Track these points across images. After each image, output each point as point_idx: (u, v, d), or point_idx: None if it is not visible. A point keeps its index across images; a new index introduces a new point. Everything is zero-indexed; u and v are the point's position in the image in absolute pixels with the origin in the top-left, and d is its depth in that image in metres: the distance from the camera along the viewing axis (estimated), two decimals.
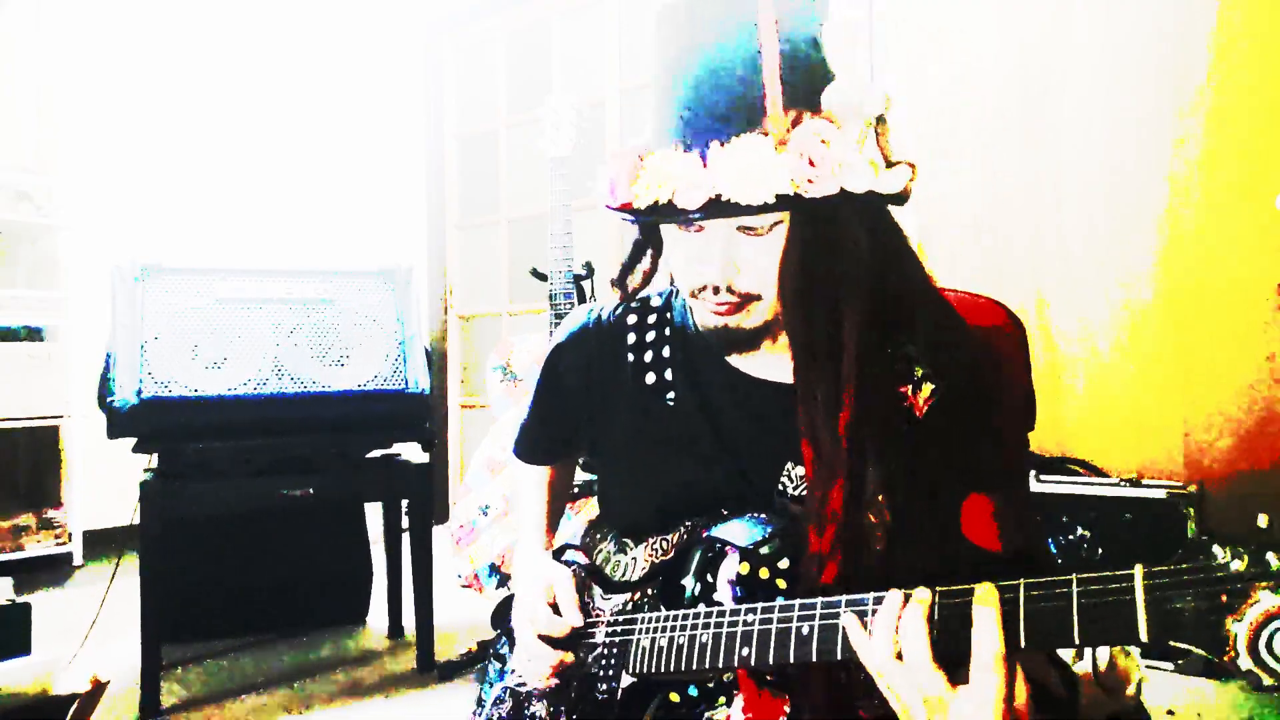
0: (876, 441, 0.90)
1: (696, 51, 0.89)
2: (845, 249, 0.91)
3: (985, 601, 0.71)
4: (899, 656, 0.75)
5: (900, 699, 0.76)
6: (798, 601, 0.85)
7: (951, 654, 0.73)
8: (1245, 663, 0.61)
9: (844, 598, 0.81)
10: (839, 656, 0.80)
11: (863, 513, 0.88)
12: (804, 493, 1.01)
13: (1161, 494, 2.23)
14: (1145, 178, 2.56)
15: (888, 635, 0.76)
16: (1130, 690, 0.84)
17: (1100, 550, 2.30)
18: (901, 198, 0.88)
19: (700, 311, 0.99)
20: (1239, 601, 0.62)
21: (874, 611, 0.78)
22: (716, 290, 0.94)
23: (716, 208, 0.87)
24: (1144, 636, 0.65)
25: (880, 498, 0.89)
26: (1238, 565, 0.63)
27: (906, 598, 0.76)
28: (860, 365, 0.90)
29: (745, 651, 0.87)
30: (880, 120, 0.87)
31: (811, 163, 0.84)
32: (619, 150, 0.97)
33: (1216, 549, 0.64)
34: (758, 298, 0.95)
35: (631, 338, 1.15)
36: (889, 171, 0.86)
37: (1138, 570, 0.67)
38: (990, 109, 2.83)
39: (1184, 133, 2.50)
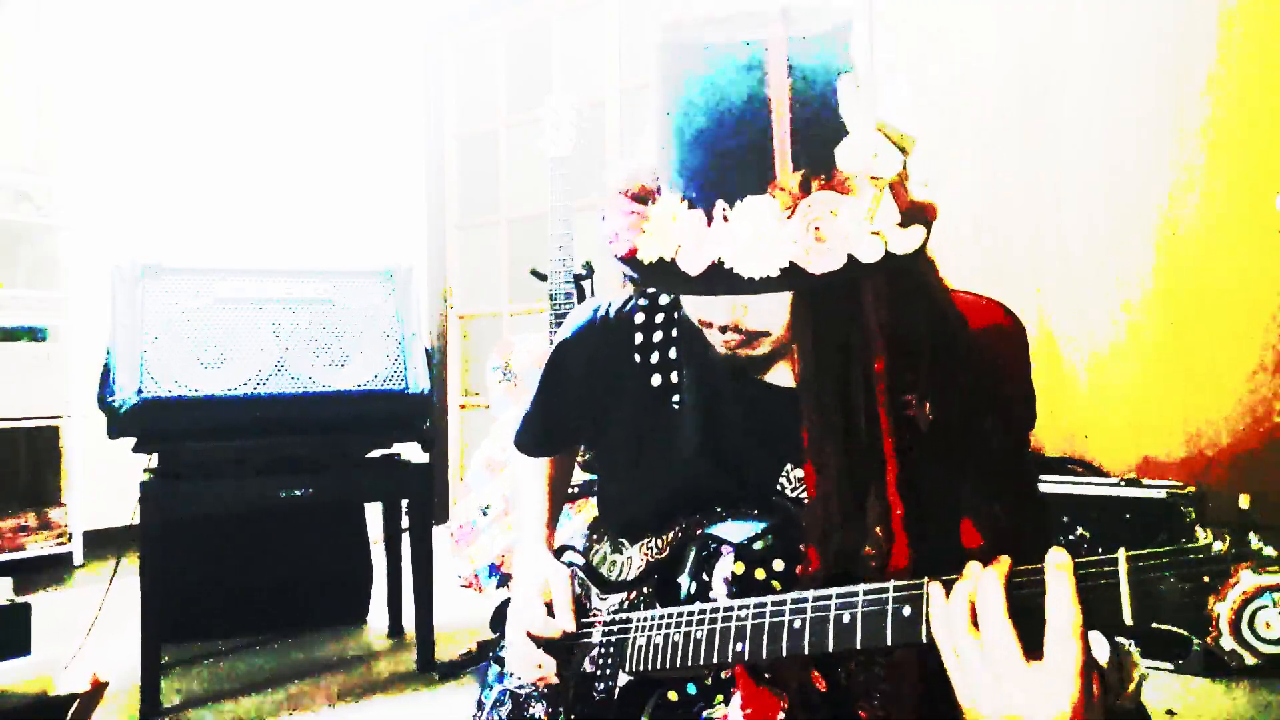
0: (907, 472, 0.88)
1: (702, 99, 0.81)
2: (864, 307, 0.86)
3: (1062, 568, 0.69)
4: (975, 623, 0.72)
5: (965, 669, 0.72)
6: (789, 595, 0.85)
7: (1025, 629, 0.71)
8: (1228, 642, 0.62)
9: (835, 589, 0.81)
10: (831, 648, 0.80)
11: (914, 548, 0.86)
12: (802, 494, 1.01)
13: (1161, 494, 2.23)
14: (1145, 178, 2.56)
15: (964, 599, 0.73)
16: (1130, 689, 0.84)
17: (1100, 551, 2.30)
18: (917, 254, 0.82)
19: (709, 336, 0.98)
20: (1220, 582, 0.63)
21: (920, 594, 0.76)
22: (723, 329, 0.92)
23: (718, 276, 0.81)
24: (1129, 619, 0.66)
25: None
26: (1219, 547, 0.64)
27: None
28: (894, 406, 0.87)
29: (739, 647, 0.87)
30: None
31: (819, 235, 0.78)
32: (616, 191, 0.90)
33: (1198, 531, 0.66)
34: (766, 334, 0.93)
35: (639, 337, 1.13)
36: (905, 231, 0.80)
37: (1121, 554, 0.68)
38: (990, 109, 2.83)
39: (1184, 133, 2.50)
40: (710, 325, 0.94)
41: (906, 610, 0.76)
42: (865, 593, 0.79)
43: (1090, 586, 0.68)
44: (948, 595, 0.75)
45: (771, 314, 0.90)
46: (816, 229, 0.78)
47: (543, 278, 2.89)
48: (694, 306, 0.95)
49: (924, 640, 0.75)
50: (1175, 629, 0.64)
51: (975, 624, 0.73)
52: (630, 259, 0.88)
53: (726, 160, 0.81)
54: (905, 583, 0.78)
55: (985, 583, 0.72)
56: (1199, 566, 0.64)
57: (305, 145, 4.78)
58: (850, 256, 0.79)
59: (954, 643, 0.73)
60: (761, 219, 0.79)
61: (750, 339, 0.93)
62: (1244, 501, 0.65)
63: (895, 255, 0.80)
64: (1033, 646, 0.70)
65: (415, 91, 4.94)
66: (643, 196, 0.89)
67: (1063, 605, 0.68)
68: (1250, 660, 0.62)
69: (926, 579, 0.77)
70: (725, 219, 0.81)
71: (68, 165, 4.13)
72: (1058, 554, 0.70)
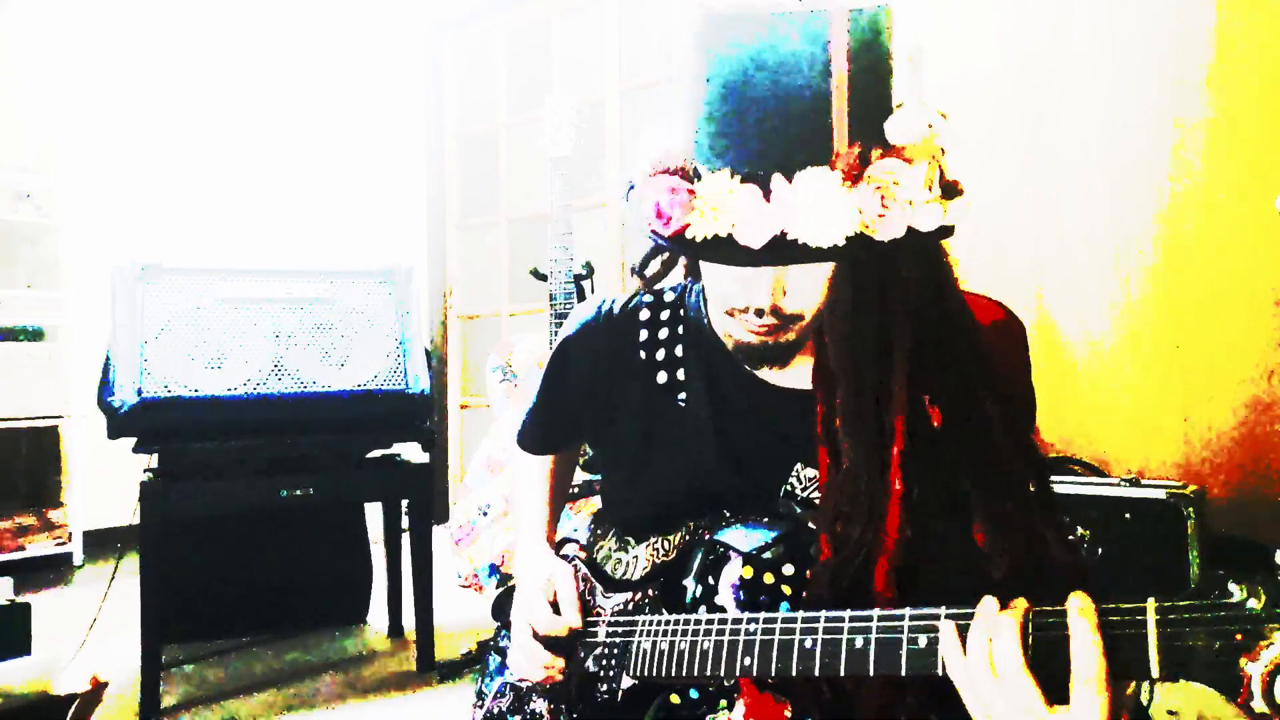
0: (910, 464, 0.87)
1: (754, 71, 0.81)
2: (898, 286, 0.87)
3: (1084, 614, 0.67)
4: (993, 668, 0.70)
5: (991, 718, 0.70)
6: (800, 614, 0.83)
7: (1048, 673, 0.69)
8: (1259, 704, 0.59)
9: (849, 612, 0.80)
10: (842, 672, 0.79)
11: (905, 535, 0.86)
12: (813, 494, 1.01)
13: (1161, 494, 2.23)
14: (1145, 178, 2.56)
15: (983, 645, 0.71)
16: (1131, 689, 0.84)
17: (1100, 550, 2.30)
18: (954, 229, 0.84)
19: (733, 327, 0.97)
20: (1254, 642, 0.60)
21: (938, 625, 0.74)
22: (760, 313, 0.91)
23: (782, 248, 0.81)
24: (1155, 672, 0.64)
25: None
26: (1254, 604, 0.61)
27: (1001, 607, 0.72)
28: (910, 396, 0.87)
29: (747, 661, 0.86)
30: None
31: (883, 203, 0.79)
32: (654, 170, 0.89)
33: (1233, 586, 0.62)
34: (800, 318, 0.93)
35: (644, 334, 1.12)
36: (951, 204, 0.82)
37: (1150, 605, 0.65)
38: (990, 110, 2.83)
39: (1184, 133, 2.50)
40: (745, 310, 0.92)
41: (922, 641, 0.75)
42: (879, 618, 0.77)
43: (1117, 635, 0.66)
44: (963, 637, 0.72)
45: (810, 296, 0.91)
46: (881, 196, 0.79)
47: (543, 278, 2.89)
48: (725, 294, 0.94)
49: (940, 673, 0.73)
50: (1203, 685, 0.61)
51: (996, 668, 0.70)
52: (678, 237, 0.86)
53: (782, 133, 0.81)
54: (920, 610, 0.76)
55: (1001, 632, 0.70)
56: (1232, 624, 0.61)
57: (306, 145, 4.78)
58: (909, 227, 0.81)
59: (975, 690, 0.71)
60: (825, 189, 0.79)
61: (784, 324, 0.93)
62: None
63: (944, 228, 0.82)
64: (1059, 685, 0.68)
65: (415, 91, 4.94)
66: (684, 175, 0.88)
67: (1087, 654, 0.66)
68: None
69: (942, 611, 0.75)
70: (787, 192, 0.81)
71: (68, 165, 4.13)
72: (1079, 598, 0.68)
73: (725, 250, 0.84)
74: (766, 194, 0.81)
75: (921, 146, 0.81)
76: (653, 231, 0.89)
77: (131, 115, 4.34)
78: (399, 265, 2.69)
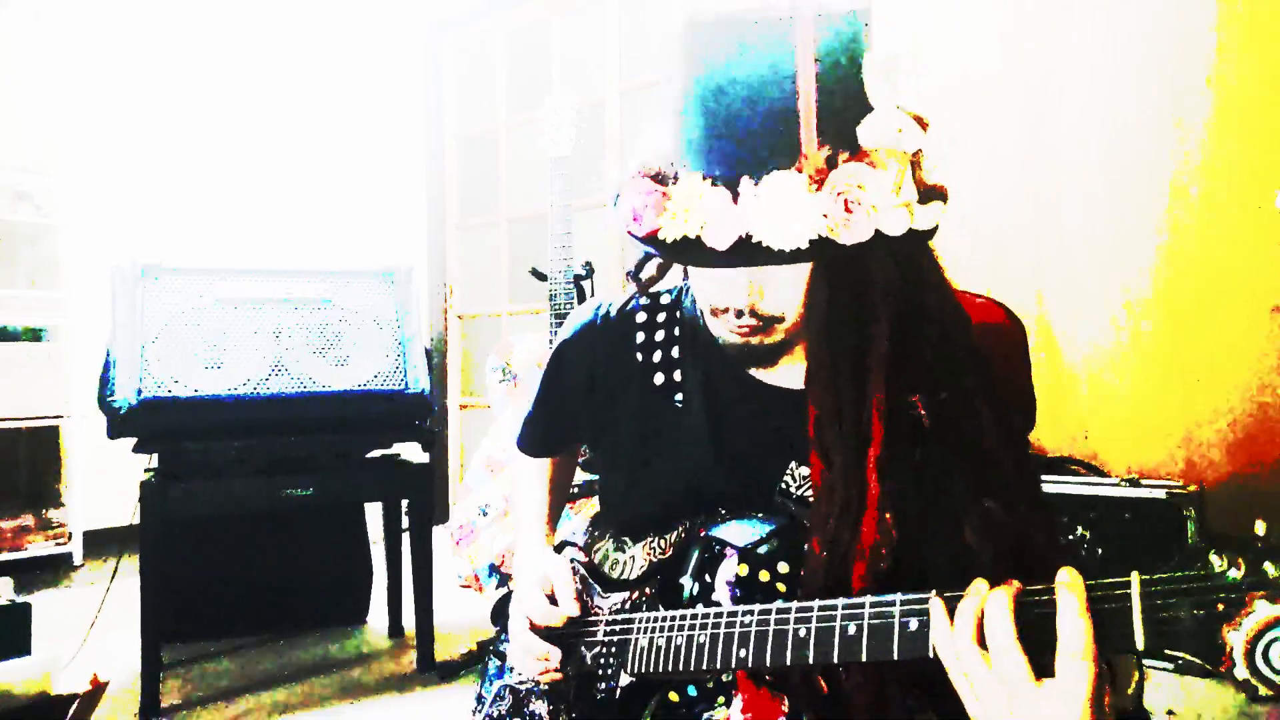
0: (898, 464, 0.88)
1: (727, 76, 0.83)
2: (874, 288, 0.88)
3: (1071, 588, 0.68)
4: (981, 644, 0.71)
5: (977, 692, 0.72)
6: (794, 604, 0.84)
7: (1033, 648, 0.70)
8: (1241, 672, 0.61)
9: (842, 600, 0.80)
10: (836, 659, 0.79)
11: (889, 535, 0.87)
12: (807, 492, 1.01)
13: (1161, 494, 2.23)
14: (1145, 179, 2.56)
15: (970, 620, 0.72)
16: (1130, 689, 0.84)
17: (1100, 551, 2.30)
18: (926, 248, 0.85)
19: (718, 327, 0.98)
20: (1235, 611, 0.61)
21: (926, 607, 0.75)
22: (739, 313, 0.92)
23: (746, 250, 0.83)
24: (1140, 645, 0.65)
25: (888, 515, 0.88)
26: (1235, 574, 0.62)
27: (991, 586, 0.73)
28: (888, 396, 0.88)
29: (742, 653, 0.87)
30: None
31: (847, 207, 0.80)
32: (636, 173, 0.91)
33: (1213, 557, 0.64)
34: (780, 319, 0.93)
35: (640, 336, 1.13)
36: (924, 208, 0.82)
37: (1134, 578, 0.66)
38: (990, 111, 2.83)
39: (1184, 133, 2.50)
40: (725, 311, 0.94)
41: (913, 624, 0.75)
42: (871, 604, 0.78)
43: (1102, 609, 0.67)
44: (951, 615, 0.73)
45: (788, 297, 0.91)
46: (845, 200, 0.80)
47: (543, 278, 2.89)
48: (707, 293, 0.96)
49: (930, 655, 0.74)
50: (1187, 656, 0.63)
51: (983, 644, 0.71)
52: (652, 238, 0.89)
53: (752, 137, 0.83)
54: (911, 595, 0.77)
55: (993, 606, 0.71)
56: (1214, 594, 0.62)
57: (306, 145, 4.78)
58: (876, 230, 0.81)
59: (962, 665, 0.72)
60: (789, 192, 0.81)
61: (765, 325, 0.94)
62: (1260, 528, 0.63)
63: (917, 231, 0.82)
64: (1043, 664, 0.69)
65: (415, 91, 4.94)
66: (661, 178, 0.90)
67: (1073, 627, 0.67)
68: (1264, 691, 0.60)
69: (933, 593, 0.76)
70: (753, 194, 0.82)
71: (68, 165, 4.13)
72: (1066, 573, 0.69)
73: (694, 252, 0.86)
74: (735, 197, 0.83)
75: (889, 151, 0.81)
76: (628, 232, 0.91)
77: (131, 115, 4.34)
78: (399, 265, 2.69)
